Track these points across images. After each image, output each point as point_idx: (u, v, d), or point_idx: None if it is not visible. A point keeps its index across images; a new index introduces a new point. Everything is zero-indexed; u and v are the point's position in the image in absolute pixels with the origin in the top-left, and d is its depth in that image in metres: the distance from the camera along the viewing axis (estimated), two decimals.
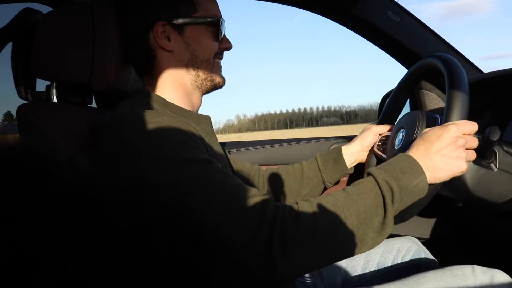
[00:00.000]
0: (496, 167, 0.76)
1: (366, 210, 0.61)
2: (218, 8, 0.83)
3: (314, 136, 1.46)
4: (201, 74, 0.80)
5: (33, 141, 0.69)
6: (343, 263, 1.02)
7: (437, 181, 0.67)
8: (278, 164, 1.25)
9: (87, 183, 0.42)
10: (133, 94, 0.80)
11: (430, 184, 0.67)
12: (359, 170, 1.07)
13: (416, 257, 1.00)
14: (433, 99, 1.19)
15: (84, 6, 0.80)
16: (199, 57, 0.79)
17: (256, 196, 0.61)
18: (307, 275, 0.96)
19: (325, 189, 1.07)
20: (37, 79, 0.90)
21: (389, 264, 1.00)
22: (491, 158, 0.76)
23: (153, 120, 0.64)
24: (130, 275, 0.45)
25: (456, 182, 0.70)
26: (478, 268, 0.79)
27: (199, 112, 0.85)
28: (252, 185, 1.02)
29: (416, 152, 0.68)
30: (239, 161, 1.03)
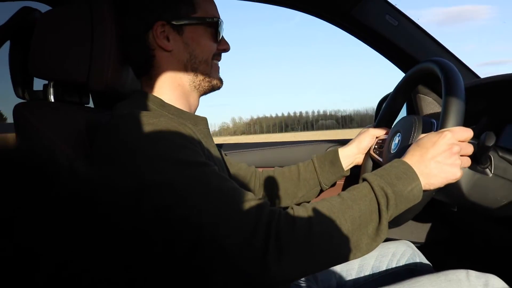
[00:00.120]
0: (491, 172, 0.76)
1: (361, 216, 0.61)
2: (217, 9, 0.83)
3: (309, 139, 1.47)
4: (199, 75, 0.80)
5: (30, 141, 0.69)
6: (338, 267, 1.02)
7: (432, 188, 0.68)
8: (274, 166, 1.26)
9: (85, 184, 0.42)
10: (131, 95, 0.80)
11: (424, 190, 0.67)
12: (355, 173, 1.08)
13: (411, 261, 1.00)
14: (430, 103, 1.19)
15: (83, 6, 0.80)
16: (197, 58, 0.79)
17: (252, 200, 0.61)
18: (302, 279, 0.96)
19: (321, 191, 1.07)
20: (35, 78, 0.90)
21: (384, 268, 1.00)
22: (486, 163, 0.76)
23: (151, 121, 0.64)
24: (129, 275, 0.45)
25: (451, 187, 0.71)
26: (473, 273, 0.79)
27: (196, 113, 0.85)
28: (248, 187, 1.02)
29: (411, 158, 0.68)
30: (236, 163, 1.03)
